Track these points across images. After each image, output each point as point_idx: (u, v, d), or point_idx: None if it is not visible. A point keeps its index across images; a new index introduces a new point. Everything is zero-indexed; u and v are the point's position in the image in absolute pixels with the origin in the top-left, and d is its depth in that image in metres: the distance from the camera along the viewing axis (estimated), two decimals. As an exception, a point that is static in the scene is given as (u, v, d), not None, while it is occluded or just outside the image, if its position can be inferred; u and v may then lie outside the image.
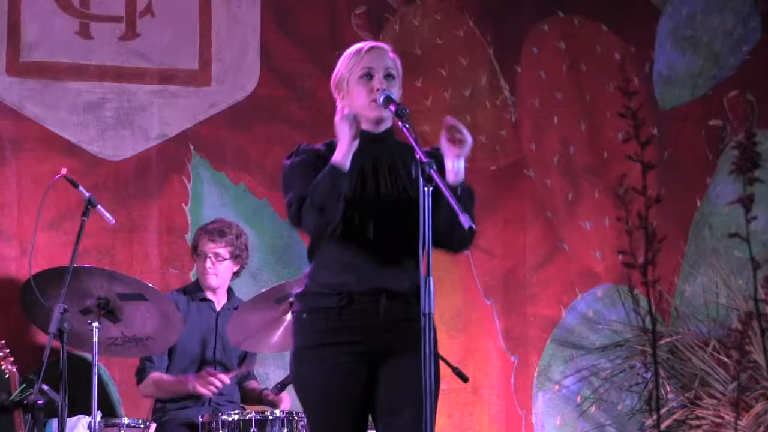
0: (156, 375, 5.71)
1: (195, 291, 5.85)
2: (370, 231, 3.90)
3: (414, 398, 3.64)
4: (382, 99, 3.90)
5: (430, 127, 6.51)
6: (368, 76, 3.96)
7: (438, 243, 3.80)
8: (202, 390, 5.52)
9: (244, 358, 5.87)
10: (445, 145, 3.86)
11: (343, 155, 3.81)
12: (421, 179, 3.64)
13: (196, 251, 5.83)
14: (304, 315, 3.95)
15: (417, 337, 3.60)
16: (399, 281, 3.87)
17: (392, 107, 3.87)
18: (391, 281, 3.89)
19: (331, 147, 3.96)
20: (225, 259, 5.77)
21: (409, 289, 3.85)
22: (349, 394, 3.89)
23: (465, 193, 3.85)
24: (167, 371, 5.74)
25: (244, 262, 5.84)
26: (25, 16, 6.20)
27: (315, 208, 3.81)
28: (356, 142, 3.83)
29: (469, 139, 3.85)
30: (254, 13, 6.48)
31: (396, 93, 3.96)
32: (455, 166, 3.84)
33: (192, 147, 6.34)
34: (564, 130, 6.80)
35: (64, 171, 5.30)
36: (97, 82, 6.25)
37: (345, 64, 4.02)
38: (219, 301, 5.86)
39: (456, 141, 3.84)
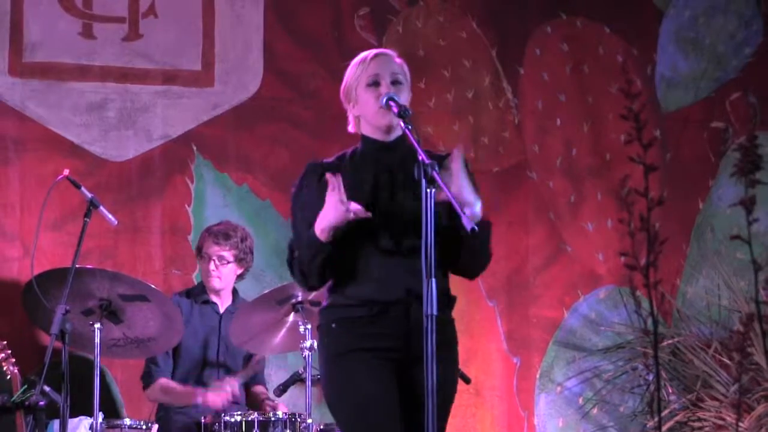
0: (164, 382, 5.70)
1: (199, 293, 5.85)
2: (392, 241, 3.89)
3: (438, 403, 3.67)
4: (384, 100, 3.89)
5: (433, 128, 6.52)
6: (375, 83, 3.96)
7: (458, 271, 4.00)
8: (215, 400, 5.50)
9: (249, 359, 5.86)
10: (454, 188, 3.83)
11: (323, 230, 3.83)
12: (423, 181, 3.65)
13: (200, 253, 5.82)
14: (333, 325, 3.94)
15: (445, 343, 3.75)
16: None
17: (394, 108, 3.86)
18: (419, 288, 3.88)
19: (342, 159, 3.97)
20: (229, 262, 5.76)
21: (437, 296, 3.83)
22: (382, 399, 3.87)
23: (484, 233, 3.88)
24: (172, 373, 5.74)
25: (248, 266, 5.83)
26: (28, 17, 6.21)
27: (298, 272, 3.94)
28: (343, 224, 3.82)
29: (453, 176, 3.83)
30: (257, 14, 6.47)
31: (403, 98, 3.94)
32: (471, 212, 3.81)
33: (195, 148, 6.34)
34: (567, 131, 6.80)
35: (66, 172, 5.29)
36: (100, 82, 6.25)
37: (352, 73, 4.01)
38: (223, 303, 5.85)
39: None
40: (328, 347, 3.96)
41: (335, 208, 3.80)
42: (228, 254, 5.74)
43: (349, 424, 3.92)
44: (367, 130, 4.00)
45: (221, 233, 5.75)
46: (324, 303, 4.02)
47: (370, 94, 3.94)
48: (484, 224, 3.88)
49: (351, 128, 4.06)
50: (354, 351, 3.89)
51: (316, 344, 4.96)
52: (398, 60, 4.03)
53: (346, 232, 3.85)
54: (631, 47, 6.89)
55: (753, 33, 7.02)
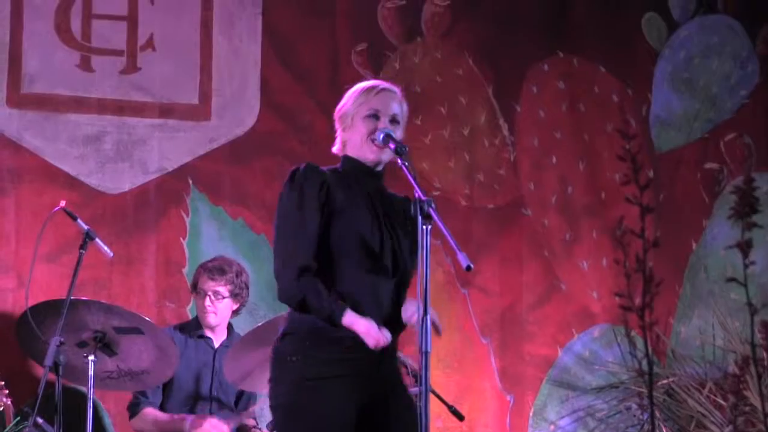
0: (150, 411, 5.67)
1: (193, 328, 5.82)
2: (362, 271, 3.92)
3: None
4: (381, 137, 3.91)
5: (428, 165, 6.53)
6: (375, 117, 3.98)
7: None
8: None
9: (241, 396, 5.83)
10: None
11: (348, 326, 3.84)
12: (419, 217, 3.66)
13: (195, 289, 5.79)
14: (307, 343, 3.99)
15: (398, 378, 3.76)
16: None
17: (391, 145, 3.89)
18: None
19: (335, 172, 3.99)
20: (224, 298, 5.73)
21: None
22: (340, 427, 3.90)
23: None
24: (163, 407, 5.71)
25: (244, 301, 5.81)
26: (26, 48, 6.22)
27: (284, 294, 3.94)
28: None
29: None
30: (255, 48, 6.49)
31: (398, 135, 3.97)
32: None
33: (191, 181, 6.34)
34: (562, 169, 6.81)
35: (62, 203, 5.30)
36: (96, 115, 6.26)
37: (353, 99, 4.03)
38: (218, 338, 5.82)
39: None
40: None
41: (374, 335, 3.82)
42: (223, 289, 5.72)
43: None
44: (354, 154, 4.03)
45: (216, 268, 5.73)
46: None
47: (365, 125, 3.97)
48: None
49: (336, 149, 4.09)
50: (319, 379, 3.93)
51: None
52: (401, 98, 4.06)
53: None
54: (626, 87, 6.92)
55: (748, 74, 7.05)
